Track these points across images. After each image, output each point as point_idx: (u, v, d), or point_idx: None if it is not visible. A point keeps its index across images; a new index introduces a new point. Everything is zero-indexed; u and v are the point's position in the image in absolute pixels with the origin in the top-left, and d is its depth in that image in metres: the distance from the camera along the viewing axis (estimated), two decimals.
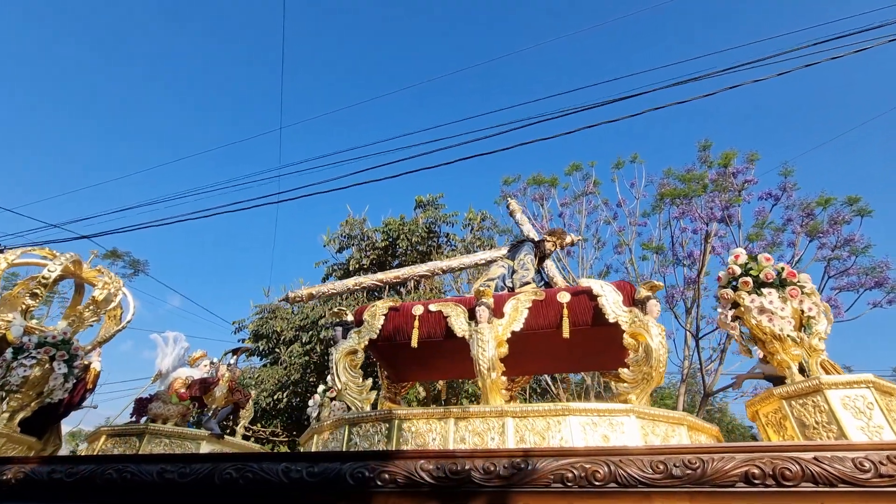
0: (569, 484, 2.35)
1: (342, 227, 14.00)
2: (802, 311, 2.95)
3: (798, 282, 3.00)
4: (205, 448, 3.70)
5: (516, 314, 3.83)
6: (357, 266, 13.06)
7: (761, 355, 4.12)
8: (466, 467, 2.47)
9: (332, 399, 5.10)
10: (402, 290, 12.46)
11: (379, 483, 2.55)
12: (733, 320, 3.16)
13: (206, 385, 4.24)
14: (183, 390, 4.08)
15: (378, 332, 4.06)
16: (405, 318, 4.17)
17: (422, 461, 2.56)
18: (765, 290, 3.02)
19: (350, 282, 4.96)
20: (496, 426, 2.86)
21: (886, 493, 2.03)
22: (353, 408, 3.70)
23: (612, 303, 3.68)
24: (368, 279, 4.96)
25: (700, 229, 12.50)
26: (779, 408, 2.64)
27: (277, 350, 12.48)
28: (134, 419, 4.12)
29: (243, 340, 13.37)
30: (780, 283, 3.03)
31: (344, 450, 3.04)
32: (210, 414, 4.13)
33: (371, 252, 13.29)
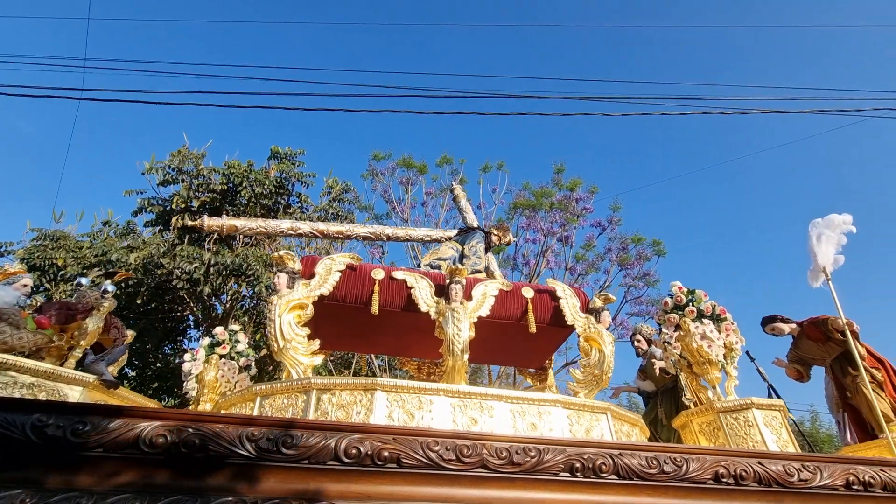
0: (577, 474, 2.40)
1: (172, 156, 11.38)
2: (725, 344, 3.58)
3: (728, 319, 3.64)
4: (82, 399, 2.60)
5: (484, 300, 3.77)
6: (183, 206, 10.94)
7: (646, 372, 4.89)
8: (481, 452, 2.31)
9: (221, 357, 4.19)
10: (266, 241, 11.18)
11: (379, 461, 2.19)
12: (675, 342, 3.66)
13: (69, 313, 3.00)
14: (31, 313, 2.82)
15: (331, 289, 3.56)
16: (362, 280, 3.74)
17: (429, 440, 2.30)
18: (704, 321, 3.57)
19: (285, 224, 4.16)
20: (487, 408, 2.76)
21: (804, 494, 2.60)
22: (294, 371, 3.13)
23: (571, 306, 3.91)
24: (307, 225, 4.24)
25: (539, 240, 14.23)
26: (713, 419, 3.14)
27: (51, 288, 9.55)
28: None
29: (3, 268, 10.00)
30: (715, 318, 3.63)
31: (312, 418, 2.54)
32: (98, 355, 2.93)
33: (204, 194, 11.29)
